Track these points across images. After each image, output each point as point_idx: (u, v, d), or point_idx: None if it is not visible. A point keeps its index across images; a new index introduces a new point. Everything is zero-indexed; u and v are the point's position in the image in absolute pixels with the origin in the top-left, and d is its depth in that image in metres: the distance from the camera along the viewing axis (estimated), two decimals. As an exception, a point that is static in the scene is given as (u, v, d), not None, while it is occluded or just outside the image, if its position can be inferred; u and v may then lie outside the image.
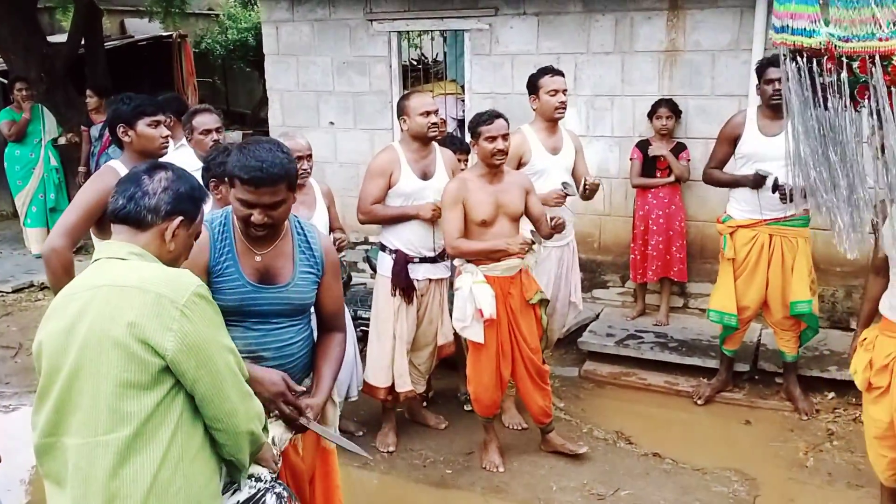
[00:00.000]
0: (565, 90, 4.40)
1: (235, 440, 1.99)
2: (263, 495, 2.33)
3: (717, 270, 4.81)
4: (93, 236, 3.34)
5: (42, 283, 6.95)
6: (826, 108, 2.23)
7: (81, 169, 7.71)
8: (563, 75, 4.42)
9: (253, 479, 2.26)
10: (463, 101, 6.72)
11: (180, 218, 2.03)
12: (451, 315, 4.45)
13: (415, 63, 8.49)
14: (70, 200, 7.40)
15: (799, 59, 2.20)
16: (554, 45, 5.86)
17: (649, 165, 5.53)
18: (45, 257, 3.11)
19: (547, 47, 5.88)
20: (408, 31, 6.75)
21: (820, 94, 2.22)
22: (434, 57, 9.37)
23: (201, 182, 2.39)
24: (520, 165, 4.33)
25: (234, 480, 2.19)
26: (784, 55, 2.26)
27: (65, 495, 1.86)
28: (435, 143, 4.26)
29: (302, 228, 2.67)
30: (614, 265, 6.02)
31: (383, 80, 6.50)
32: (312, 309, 2.75)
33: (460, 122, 7.25)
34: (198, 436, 1.92)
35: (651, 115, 5.53)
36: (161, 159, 3.49)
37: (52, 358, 1.89)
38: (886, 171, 2.22)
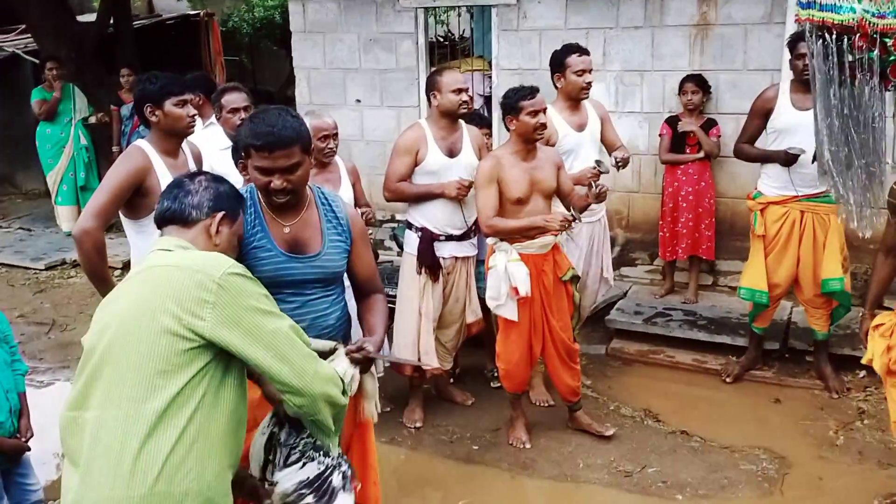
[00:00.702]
0: (591, 69, 4.35)
1: (312, 402, 2.02)
2: (330, 474, 2.32)
3: (746, 248, 4.75)
4: (121, 216, 3.36)
5: (74, 261, 7.06)
6: (853, 86, 2.17)
7: (115, 149, 7.78)
8: (589, 53, 4.35)
9: (321, 453, 2.26)
10: (490, 77, 6.67)
11: (223, 213, 2.11)
12: (479, 293, 4.47)
13: (441, 39, 8.45)
14: (100, 179, 7.48)
15: (827, 35, 2.14)
16: (582, 20, 5.78)
17: (679, 141, 5.46)
18: (76, 239, 3.13)
19: (575, 22, 5.80)
20: (434, 7, 6.70)
21: (847, 72, 2.15)
22: (461, 33, 9.31)
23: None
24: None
25: (322, 445, 2.23)
26: (810, 32, 2.19)
27: (77, 471, 1.86)
28: (461, 120, 4.24)
29: (326, 198, 2.70)
30: (643, 242, 5.98)
31: (410, 57, 6.47)
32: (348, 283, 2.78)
33: (487, 99, 7.21)
34: (219, 423, 1.91)
35: (679, 90, 5.46)
36: (190, 137, 3.52)
37: (92, 337, 1.93)
38: None
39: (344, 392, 2.14)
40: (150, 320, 1.84)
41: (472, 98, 4.37)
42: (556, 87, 4.40)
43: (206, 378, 1.88)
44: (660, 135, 5.54)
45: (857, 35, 2.08)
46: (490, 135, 4.78)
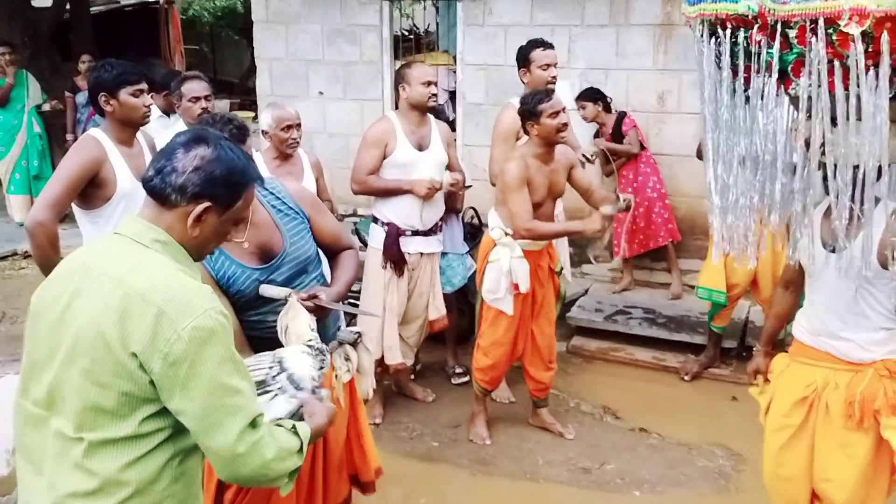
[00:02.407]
0: (556, 63, 4.35)
1: (236, 480, 1.80)
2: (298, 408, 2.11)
3: (706, 247, 4.80)
4: (74, 207, 3.27)
5: (26, 252, 6.88)
6: (746, 91, 1.90)
7: (69, 137, 7.61)
8: (553, 48, 4.36)
9: (293, 387, 2.07)
10: (454, 72, 6.65)
11: (207, 203, 1.78)
12: (442, 287, 4.44)
13: (406, 33, 8.39)
14: (54, 168, 7.28)
15: (721, 31, 1.87)
16: (548, 17, 5.79)
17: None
18: (29, 231, 3.04)
19: (541, 19, 5.81)
20: (399, 0, 6.65)
21: (742, 73, 1.87)
22: (426, 27, 9.26)
23: None
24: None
25: (297, 380, 2.03)
26: (699, 31, 1.95)
27: (41, 478, 1.76)
28: (430, 115, 4.22)
29: (265, 187, 2.63)
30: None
31: (374, 50, 6.41)
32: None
33: (452, 94, 7.18)
34: (197, 456, 1.81)
35: None
36: (149, 128, 3.43)
37: (51, 331, 1.76)
38: (809, 169, 1.89)
39: (300, 451, 1.85)
40: (108, 352, 1.67)
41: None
42: (522, 83, 4.39)
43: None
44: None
45: (756, 27, 1.78)
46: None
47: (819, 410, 2.68)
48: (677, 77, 5.53)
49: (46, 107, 7.93)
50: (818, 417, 2.69)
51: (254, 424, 1.73)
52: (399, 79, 4.12)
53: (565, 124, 3.77)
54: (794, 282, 2.89)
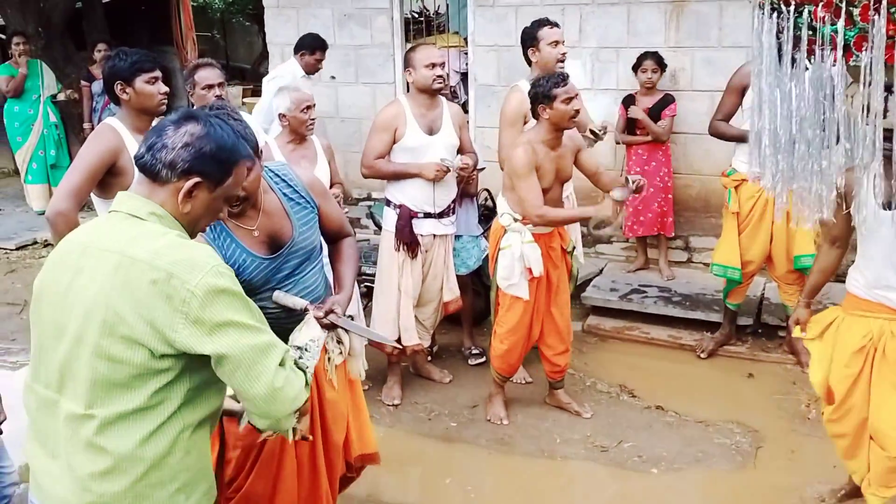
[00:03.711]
0: (564, 42, 4.34)
1: (276, 423, 1.87)
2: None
3: (721, 225, 4.79)
4: (93, 196, 3.31)
5: (46, 241, 6.96)
6: (807, 65, 2.03)
7: (86, 126, 7.67)
8: (559, 26, 4.34)
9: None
10: (466, 53, 6.63)
11: (197, 179, 1.83)
12: (455, 269, 4.46)
13: (416, 15, 8.37)
14: (71, 157, 7.33)
15: (784, 8, 2.00)
16: (558, -4, 5.76)
17: (631, 122, 5.49)
18: (50, 221, 3.08)
19: (551, -2, 5.77)
20: (409, -17, 6.64)
21: (804, 48, 2.00)
22: (436, 9, 9.23)
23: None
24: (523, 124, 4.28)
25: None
26: (760, 6, 2.06)
27: (57, 463, 1.79)
28: (442, 98, 4.21)
29: (277, 174, 2.63)
30: (618, 220, 6.00)
31: (385, 33, 6.41)
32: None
33: (463, 76, 7.17)
34: (201, 411, 1.84)
35: (636, 68, 5.44)
36: None
37: (56, 312, 1.81)
38: (863, 133, 2.01)
39: (307, 383, 1.97)
40: (121, 324, 1.70)
41: (447, 74, 4.34)
42: (528, 64, 4.38)
43: (185, 379, 1.79)
44: (620, 116, 5.54)
45: (821, 5, 1.92)
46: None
47: (876, 357, 2.86)
48: (689, 54, 5.49)
49: (61, 96, 7.99)
50: (874, 362, 2.86)
51: (282, 363, 1.83)
52: (406, 63, 4.14)
53: (578, 110, 3.75)
54: (841, 238, 3.02)
